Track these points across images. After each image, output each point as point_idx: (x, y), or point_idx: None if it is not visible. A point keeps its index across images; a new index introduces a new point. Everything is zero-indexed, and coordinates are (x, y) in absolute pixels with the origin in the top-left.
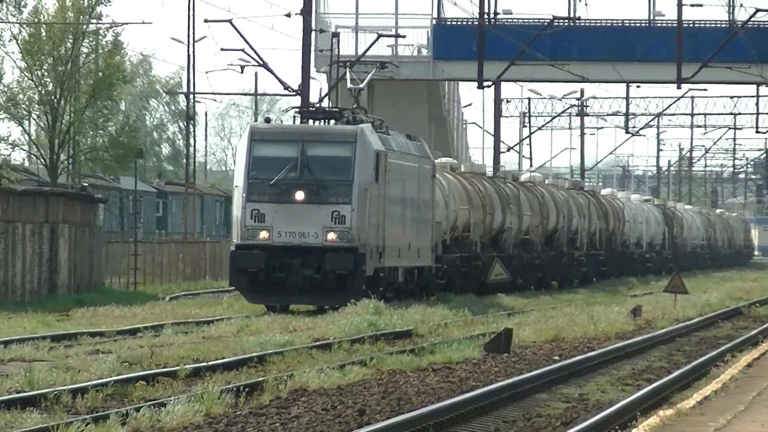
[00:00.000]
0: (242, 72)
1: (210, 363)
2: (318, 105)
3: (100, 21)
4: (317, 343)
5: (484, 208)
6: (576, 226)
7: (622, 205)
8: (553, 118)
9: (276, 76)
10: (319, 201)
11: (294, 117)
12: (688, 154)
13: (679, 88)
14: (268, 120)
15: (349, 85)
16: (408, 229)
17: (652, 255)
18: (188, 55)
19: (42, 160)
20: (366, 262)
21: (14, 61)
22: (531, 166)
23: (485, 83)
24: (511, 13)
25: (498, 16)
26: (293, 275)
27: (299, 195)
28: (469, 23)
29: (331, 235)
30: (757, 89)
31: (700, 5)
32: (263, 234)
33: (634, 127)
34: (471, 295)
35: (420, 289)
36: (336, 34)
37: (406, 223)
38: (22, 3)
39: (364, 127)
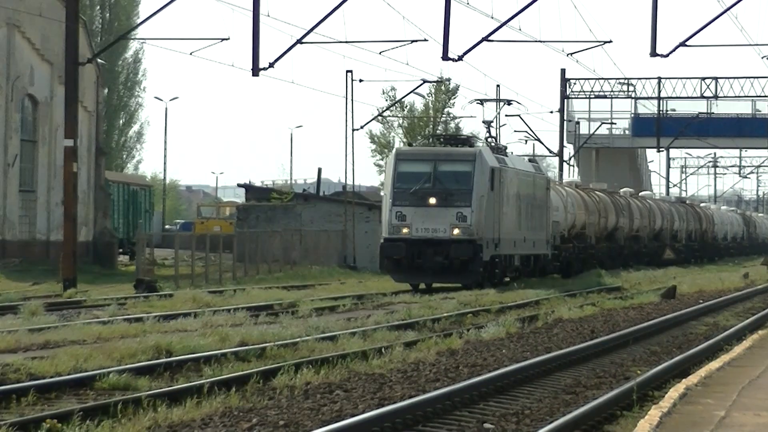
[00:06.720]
0: (526, 143)
1: (509, 304)
2: (450, 133)
3: (448, 115)
4: (567, 293)
5: (599, 212)
6: (677, 227)
7: (712, 212)
8: (699, 168)
9: (544, 145)
10: (447, 204)
11: (433, 141)
12: None
13: None
14: (410, 144)
15: (483, 118)
16: (523, 225)
17: (734, 245)
18: (496, 134)
19: None
20: (483, 251)
21: (400, 138)
22: (686, 194)
23: (661, 149)
24: (675, 111)
25: (668, 112)
26: (427, 261)
27: (432, 200)
28: (652, 116)
29: (456, 231)
30: None
31: None
32: (405, 230)
33: (744, 172)
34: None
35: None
36: (577, 122)
37: (521, 221)
38: (404, 104)
39: (482, 149)
